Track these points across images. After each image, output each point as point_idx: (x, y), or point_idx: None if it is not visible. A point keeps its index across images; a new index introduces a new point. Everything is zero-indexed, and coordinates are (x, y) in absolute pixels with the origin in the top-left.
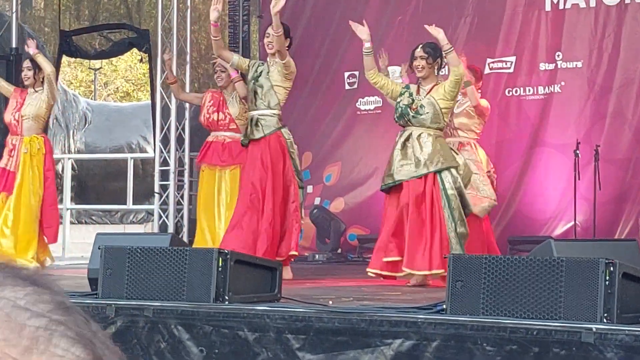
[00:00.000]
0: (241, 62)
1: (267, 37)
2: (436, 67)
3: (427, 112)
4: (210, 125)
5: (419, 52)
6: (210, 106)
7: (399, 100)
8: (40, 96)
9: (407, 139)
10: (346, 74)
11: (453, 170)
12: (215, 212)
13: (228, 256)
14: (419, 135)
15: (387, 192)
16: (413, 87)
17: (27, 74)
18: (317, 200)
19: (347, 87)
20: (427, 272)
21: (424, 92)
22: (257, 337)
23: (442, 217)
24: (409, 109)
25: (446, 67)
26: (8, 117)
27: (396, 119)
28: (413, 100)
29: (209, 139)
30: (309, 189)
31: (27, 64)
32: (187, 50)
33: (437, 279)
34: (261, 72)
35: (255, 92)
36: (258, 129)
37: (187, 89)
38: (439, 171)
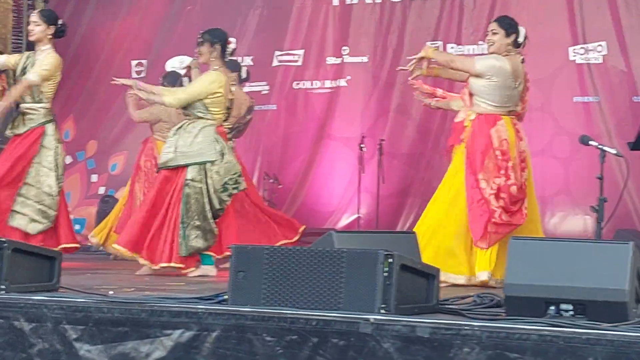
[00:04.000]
0: (8, 61)
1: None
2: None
3: None
4: None
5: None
6: None
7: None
8: None
9: (180, 127)
10: (133, 63)
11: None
12: None
13: (5, 244)
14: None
15: None
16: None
17: None
18: (101, 190)
19: (134, 75)
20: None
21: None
22: (33, 327)
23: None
24: None
25: None
26: None
27: None
28: None
29: None
30: (94, 177)
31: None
32: None
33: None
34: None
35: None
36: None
37: None
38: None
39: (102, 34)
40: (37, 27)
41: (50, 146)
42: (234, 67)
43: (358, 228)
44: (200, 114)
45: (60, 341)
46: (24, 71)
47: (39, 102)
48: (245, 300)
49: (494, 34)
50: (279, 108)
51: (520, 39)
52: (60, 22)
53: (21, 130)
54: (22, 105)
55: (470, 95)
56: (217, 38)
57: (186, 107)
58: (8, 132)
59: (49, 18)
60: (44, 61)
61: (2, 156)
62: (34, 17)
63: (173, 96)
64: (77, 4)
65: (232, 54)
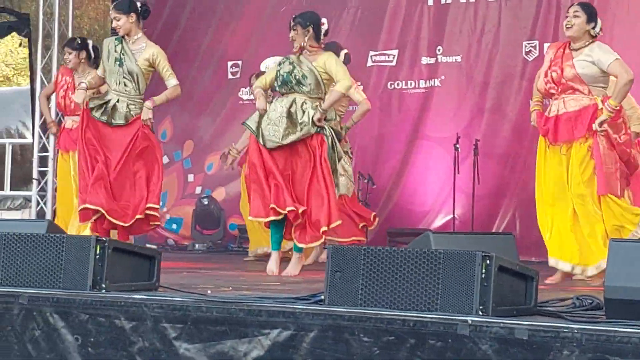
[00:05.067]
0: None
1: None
2: (310, 35)
3: (310, 83)
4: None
5: (291, 22)
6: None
7: (279, 69)
8: None
9: (291, 105)
10: (229, 64)
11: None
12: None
13: (106, 244)
14: (303, 102)
15: None
16: (293, 57)
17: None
18: (198, 190)
19: (229, 76)
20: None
21: (306, 62)
22: (133, 325)
23: None
24: (290, 76)
25: None
26: None
27: (278, 88)
28: (294, 67)
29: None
30: (190, 177)
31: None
32: (68, 35)
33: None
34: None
35: None
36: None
37: None
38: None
39: (199, 36)
40: (119, 22)
41: None
42: (335, 49)
43: (453, 229)
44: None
45: (160, 340)
46: (119, 60)
47: (141, 93)
48: (342, 301)
49: (576, 16)
50: (373, 108)
51: (597, 30)
52: (138, 3)
53: (121, 121)
54: (123, 98)
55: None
56: (309, 20)
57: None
58: (103, 118)
59: (124, 6)
60: (159, 57)
61: (103, 146)
62: (112, 13)
63: (348, 81)
64: (173, 6)
65: (326, 34)
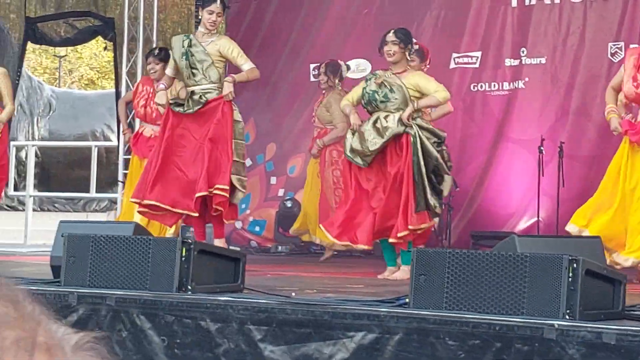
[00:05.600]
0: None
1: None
2: (407, 53)
3: (396, 98)
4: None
5: (390, 37)
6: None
7: (365, 86)
8: None
9: (375, 121)
10: (312, 66)
11: None
12: None
13: (192, 246)
14: (386, 115)
15: None
16: (380, 73)
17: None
18: (280, 192)
19: (312, 79)
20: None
21: (394, 77)
22: (219, 327)
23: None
24: (376, 94)
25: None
26: None
27: (364, 105)
28: (381, 84)
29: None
30: (273, 180)
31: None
32: (153, 39)
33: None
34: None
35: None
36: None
37: None
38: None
39: (282, 38)
40: (218, 18)
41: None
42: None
43: (538, 232)
44: None
45: (245, 341)
46: (185, 54)
47: (216, 82)
48: (427, 304)
49: None
50: (456, 110)
51: None
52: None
53: (198, 106)
54: (198, 88)
55: None
56: (409, 39)
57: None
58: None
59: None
60: (235, 49)
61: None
62: (215, 7)
63: (446, 93)
64: (257, 8)
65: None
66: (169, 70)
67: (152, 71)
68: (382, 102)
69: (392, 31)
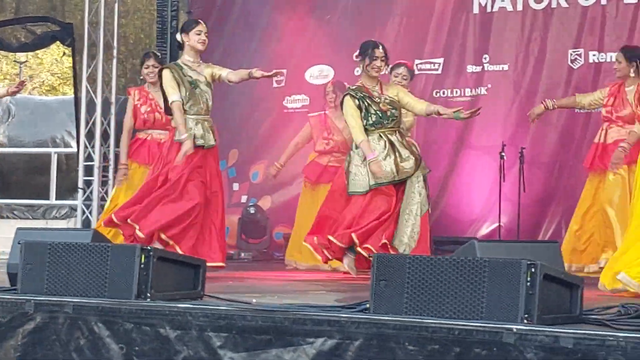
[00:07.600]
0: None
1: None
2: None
3: (398, 113)
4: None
5: (380, 52)
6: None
7: (364, 106)
8: None
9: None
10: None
11: None
12: None
13: (151, 253)
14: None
15: None
16: (371, 88)
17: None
18: (243, 198)
19: (274, 85)
20: None
21: (383, 95)
22: (178, 334)
23: None
24: (385, 114)
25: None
26: None
27: (368, 126)
28: (380, 101)
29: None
30: (235, 186)
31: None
32: (114, 44)
33: None
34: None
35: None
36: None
37: (114, 84)
38: None
39: (244, 45)
40: (205, 36)
41: None
42: None
43: (499, 237)
44: None
45: (205, 348)
46: (193, 83)
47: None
48: (387, 309)
49: None
50: (418, 117)
51: None
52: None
53: (213, 142)
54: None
55: None
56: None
57: None
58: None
59: None
60: (215, 66)
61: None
62: (202, 26)
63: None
64: (217, 18)
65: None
66: (176, 96)
67: (150, 75)
68: (392, 120)
69: (381, 46)
